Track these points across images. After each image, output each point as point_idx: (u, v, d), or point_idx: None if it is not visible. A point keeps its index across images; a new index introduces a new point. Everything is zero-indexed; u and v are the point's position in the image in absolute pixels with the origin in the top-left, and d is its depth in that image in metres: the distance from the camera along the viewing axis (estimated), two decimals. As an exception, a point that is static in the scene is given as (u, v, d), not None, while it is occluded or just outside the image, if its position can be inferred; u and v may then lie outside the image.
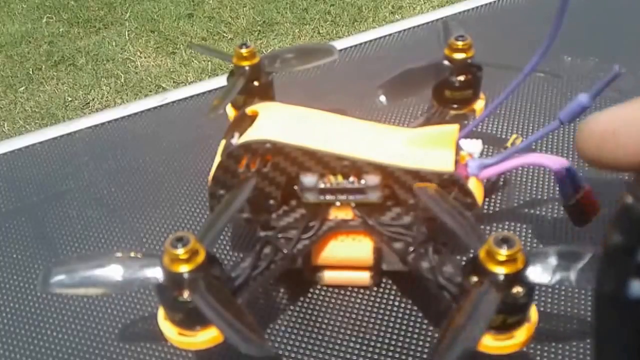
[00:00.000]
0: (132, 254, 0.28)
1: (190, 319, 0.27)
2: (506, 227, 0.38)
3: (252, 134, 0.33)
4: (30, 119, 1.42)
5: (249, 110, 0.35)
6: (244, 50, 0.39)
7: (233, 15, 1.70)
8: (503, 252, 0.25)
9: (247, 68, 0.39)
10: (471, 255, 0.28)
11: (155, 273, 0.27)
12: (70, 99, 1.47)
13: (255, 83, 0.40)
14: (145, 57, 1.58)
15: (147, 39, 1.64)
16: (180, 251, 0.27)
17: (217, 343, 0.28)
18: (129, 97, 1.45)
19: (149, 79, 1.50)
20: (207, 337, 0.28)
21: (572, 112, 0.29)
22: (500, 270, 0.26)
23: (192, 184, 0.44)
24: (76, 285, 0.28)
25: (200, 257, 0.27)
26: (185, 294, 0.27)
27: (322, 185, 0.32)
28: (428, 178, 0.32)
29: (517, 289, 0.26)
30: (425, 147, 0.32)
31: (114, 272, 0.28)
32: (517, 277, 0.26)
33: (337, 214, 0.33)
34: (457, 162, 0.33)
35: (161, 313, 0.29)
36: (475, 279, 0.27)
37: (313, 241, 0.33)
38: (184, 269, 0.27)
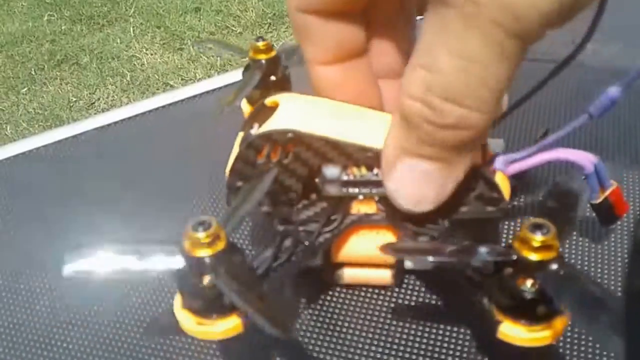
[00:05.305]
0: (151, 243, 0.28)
1: (210, 306, 0.27)
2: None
3: (273, 124, 0.32)
4: (34, 121, 1.40)
5: (268, 101, 0.35)
6: (260, 44, 0.39)
7: (242, 8, 1.68)
8: (538, 238, 0.25)
9: (263, 62, 0.39)
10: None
11: (175, 259, 0.27)
12: (74, 99, 1.45)
13: (272, 77, 0.39)
14: (151, 54, 1.56)
15: (152, 35, 1.62)
16: (202, 235, 0.26)
17: (236, 333, 0.28)
18: (136, 96, 1.44)
19: (155, 76, 1.49)
20: (227, 326, 0.28)
21: (602, 106, 0.29)
22: (534, 257, 0.26)
23: (202, 185, 0.42)
24: (94, 272, 0.29)
25: (222, 243, 0.27)
26: (207, 279, 0.27)
27: (345, 178, 0.32)
28: None
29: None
30: None
31: (132, 260, 0.28)
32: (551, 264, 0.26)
33: (360, 208, 0.32)
34: (483, 156, 0.32)
35: (178, 302, 0.28)
36: (509, 270, 0.26)
37: (335, 235, 0.32)
38: (205, 253, 0.27)
